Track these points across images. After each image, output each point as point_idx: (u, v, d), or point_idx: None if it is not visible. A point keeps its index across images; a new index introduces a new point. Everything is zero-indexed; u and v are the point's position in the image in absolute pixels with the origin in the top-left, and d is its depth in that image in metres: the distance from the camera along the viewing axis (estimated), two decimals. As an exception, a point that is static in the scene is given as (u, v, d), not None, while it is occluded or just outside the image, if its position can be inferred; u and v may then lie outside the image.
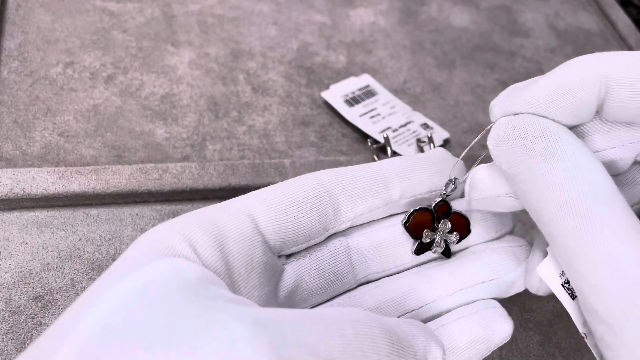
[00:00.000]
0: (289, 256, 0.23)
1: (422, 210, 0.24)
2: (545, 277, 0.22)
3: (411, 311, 0.24)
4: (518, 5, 0.57)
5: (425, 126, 0.43)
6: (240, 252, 0.20)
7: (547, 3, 0.58)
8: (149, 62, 0.43)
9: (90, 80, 0.41)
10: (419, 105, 0.45)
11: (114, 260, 0.26)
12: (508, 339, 0.23)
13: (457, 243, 0.25)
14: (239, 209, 0.21)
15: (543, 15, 0.56)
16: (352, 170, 0.24)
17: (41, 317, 0.30)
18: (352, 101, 0.43)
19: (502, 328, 0.23)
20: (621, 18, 0.56)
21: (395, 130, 0.42)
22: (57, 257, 0.32)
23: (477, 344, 0.23)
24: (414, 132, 0.42)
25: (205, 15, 0.48)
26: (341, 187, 0.23)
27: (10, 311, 0.30)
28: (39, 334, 0.29)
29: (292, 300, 0.23)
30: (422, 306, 0.24)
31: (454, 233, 0.25)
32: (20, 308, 0.30)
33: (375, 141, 0.41)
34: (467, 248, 0.26)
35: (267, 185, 0.36)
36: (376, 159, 0.40)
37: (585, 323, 0.21)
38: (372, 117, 0.42)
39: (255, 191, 0.22)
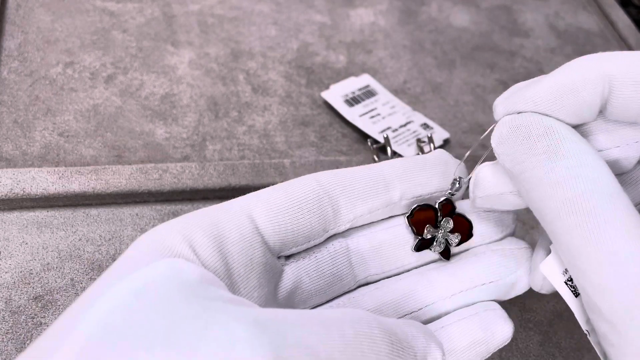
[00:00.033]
0: (288, 257, 0.23)
1: (427, 206, 0.24)
2: (548, 275, 0.22)
3: (411, 313, 0.24)
4: (518, 5, 0.57)
5: (425, 126, 0.43)
6: (239, 252, 0.20)
7: (547, 3, 0.58)
8: (149, 62, 0.43)
9: (90, 80, 0.41)
10: (419, 105, 0.45)
11: (114, 260, 0.26)
12: (508, 341, 0.23)
13: (458, 245, 0.25)
14: (239, 209, 0.21)
15: (543, 15, 0.56)
16: (352, 172, 0.24)
17: (41, 317, 0.30)
18: (352, 101, 0.43)
19: (502, 330, 0.23)
20: (621, 18, 0.56)
21: (395, 130, 0.42)
22: (57, 257, 0.32)
23: (477, 346, 0.23)
24: (414, 132, 0.42)
25: (205, 15, 0.48)
26: (341, 188, 0.23)
27: (10, 311, 0.30)
28: (39, 334, 0.29)
29: (291, 301, 0.23)
30: (422, 308, 0.24)
31: (456, 234, 0.25)
32: (20, 308, 0.30)
33: (375, 141, 0.41)
34: (467, 249, 0.26)
35: (267, 185, 0.36)
36: (376, 159, 0.40)
37: (588, 321, 0.21)
38: (372, 117, 0.42)
39: (255, 192, 0.22)
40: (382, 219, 0.25)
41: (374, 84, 0.45)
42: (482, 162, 0.24)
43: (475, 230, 0.25)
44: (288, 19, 0.50)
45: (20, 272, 0.31)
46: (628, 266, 0.17)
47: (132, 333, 0.15)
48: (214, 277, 0.18)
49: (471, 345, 0.22)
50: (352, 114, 0.42)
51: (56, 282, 0.31)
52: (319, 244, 0.23)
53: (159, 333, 0.15)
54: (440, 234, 0.25)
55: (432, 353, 0.20)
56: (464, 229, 0.25)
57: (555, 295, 0.35)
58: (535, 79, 0.21)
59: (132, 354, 0.14)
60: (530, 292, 0.26)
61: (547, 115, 0.21)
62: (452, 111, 0.46)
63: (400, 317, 0.24)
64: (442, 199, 0.25)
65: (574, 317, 0.34)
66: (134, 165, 0.35)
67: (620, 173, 0.22)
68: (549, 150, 0.19)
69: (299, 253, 0.23)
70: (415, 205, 0.24)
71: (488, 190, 0.23)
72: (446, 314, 0.24)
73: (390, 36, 0.51)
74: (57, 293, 0.31)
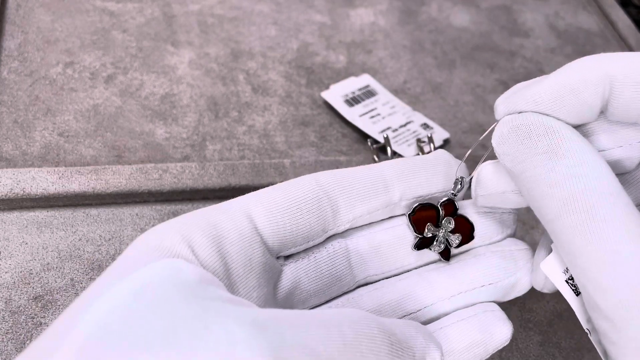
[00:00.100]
0: (287, 257, 0.23)
1: (429, 205, 0.24)
2: (549, 274, 0.22)
3: (410, 314, 0.24)
4: (518, 5, 0.57)
5: (425, 126, 0.43)
6: (238, 253, 0.20)
7: (547, 3, 0.58)
8: (149, 62, 0.43)
9: (90, 80, 0.41)
10: (419, 105, 0.45)
11: (114, 260, 0.26)
12: (507, 343, 0.23)
13: (458, 247, 0.25)
14: (238, 209, 0.21)
15: (543, 15, 0.56)
16: (351, 172, 0.24)
17: (41, 317, 0.30)
18: (352, 101, 0.43)
19: (500, 331, 0.23)
20: (621, 18, 0.56)
21: (395, 130, 0.42)
22: (57, 257, 0.32)
23: (475, 347, 0.23)
24: (414, 132, 0.42)
25: (205, 15, 0.48)
26: (340, 188, 0.23)
27: (10, 311, 0.30)
28: (39, 334, 0.29)
29: (290, 302, 0.23)
30: (421, 309, 0.24)
31: (457, 234, 0.25)
32: (20, 308, 0.30)
33: (375, 141, 0.41)
34: (467, 250, 0.26)
35: (267, 185, 0.36)
36: (376, 159, 0.40)
37: (589, 319, 0.21)
38: (372, 117, 0.42)
39: (254, 192, 0.22)
40: (382, 220, 0.25)
41: (374, 84, 0.45)
42: (483, 161, 0.24)
43: (475, 232, 0.25)
44: (288, 19, 0.50)
45: (20, 272, 0.31)
46: (628, 265, 0.17)
47: (131, 333, 0.15)
48: (213, 278, 0.18)
49: (470, 347, 0.23)
50: (352, 114, 0.42)
51: (56, 282, 0.31)
52: (318, 244, 0.23)
53: (158, 333, 0.15)
54: (440, 234, 0.25)
55: (431, 353, 0.20)
56: (465, 230, 0.25)
57: (555, 295, 0.35)
58: (537, 79, 0.21)
59: (131, 354, 0.14)
60: (530, 293, 0.26)
61: (547, 115, 0.21)
62: (452, 111, 0.46)
63: (399, 318, 0.24)
64: (444, 199, 0.25)
65: (574, 317, 0.34)
66: (134, 165, 0.35)
67: (622, 173, 0.22)
68: (550, 149, 0.20)
69: (298, 253, 0.23)
70: (417, 204, 0.24)
71: (490, 188, 0.23)
72: (445, 315, 0.24)
73: (390, 36, 0.51)
74: (57, 293, 0.31)
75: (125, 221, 0.35)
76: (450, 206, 0.25)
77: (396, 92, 0.46)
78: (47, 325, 0.30)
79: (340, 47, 0.48)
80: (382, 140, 0.40)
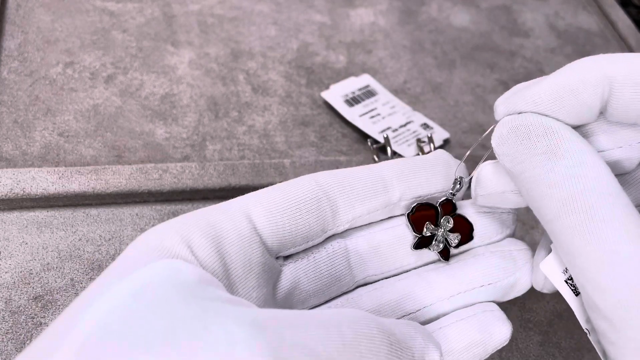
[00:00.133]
0: (286, 257, 0.23)
1: (428, 205, 0.24)
2: (548, 274, 0.22)
3: (409, 314, 0.24)
4: (518, 5, 0.57)
5: (425, 126, 0.43)
6: (238, 253, 0.20)
7: (547, 3, 0.58)
8: (149, 62, 0.43)
9: (90, 80, 0.41)
10: (419, 105, 0.45)
11: (114, 260, 0.26)
12: (506, 343, 0.23)
13: (457, 247, 0.25)
14: (237, 210, 0.21)
15: (543, 15, 0.56)
16: (351, 172, 0.24)
17: (41, 317, 0.30)
18: (352, 101, 0.43)
19: (500, 331, 0.23)
20: (621, 18, 0.56)
21: (395, 130, 0.42)
22: (57, 257, 0.32)
23: (474, 348, 0.23)
24: (414, 132, 0.42)
25: (205, 15, 0.48)
26: (340, 188, 0.23)
27: (10, 311, 0.30)
28: (39, 334, 0.29)
29: (289, 302, 0.23)
30: (420, 309, 0.24)
31: (456, 234, 0.25)
32: (20, 308, 0.30)
33: (375, 141, 0.41)
34: (466, 250, 0.26)
35: (267, 185, 0.36)
36: (376, 159, 0.40)
37: (588, 319, 0.21)
38: (372, 117, 0.42)
39: (254, 192, 0.22)
40: (382, 220, 0.25)
41: (374, 84, 0.45)
42: (483, 161, 0.24)
43: (475, 232, 0.25)
44: (288, 19, 0.50)
45: (20, 272, 0.32)
46: (627, 265, 0.17)
47: (131, 334, 0.15)
48: (212, 278, 0.18)
49: (469, 347, 0.23)
50: (352, 114, 0.42)
51: (56, 282, 0.31)
52: (318, 244, 0.23)
53: (157, 334, 0.15)
54: (439, 233, 0.25)
55: (430, 354, 0.20)
56: (465, 229, 0.25)
57: (555, 295, 0.35)
58: (536, 79, 0.21)
59: (130, 354, 0.14)
60: (530, 293, 0.26)
61: (547, 115, 0.21)
62: (452, 111, 0.46)
63: (398, 318, 0.24)
64: (442, 198, 0.25)
65: (574, 317, 0.34)
66: (134, 165, 0.35)
67: (622, 174, 0.22)
68: (549, 150, 0.20)
69: (297, 253, 0.23)
70: (416, 204, 0.24)
71: (489, 188, 0.23)
72: (445, 315, 0.24)
73: (390, 36, 0.51)
74: (57, 293, 0.31)
75: (125, 221, 0.35)
76: (448, 206, 0.25)
77: (396, 92, 0.46)
78: (47, 325, 0.30)
79: (340, 47, 0.48)
80: (382, 140, 0.40)
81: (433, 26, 0.53)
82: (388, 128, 0.42)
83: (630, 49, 0.54)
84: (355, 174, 0.24)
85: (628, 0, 0.61)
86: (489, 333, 0.23)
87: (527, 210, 0.39)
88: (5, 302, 0.30)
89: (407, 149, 0.41)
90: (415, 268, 0.25)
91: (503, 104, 0.22)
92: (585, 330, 0.21)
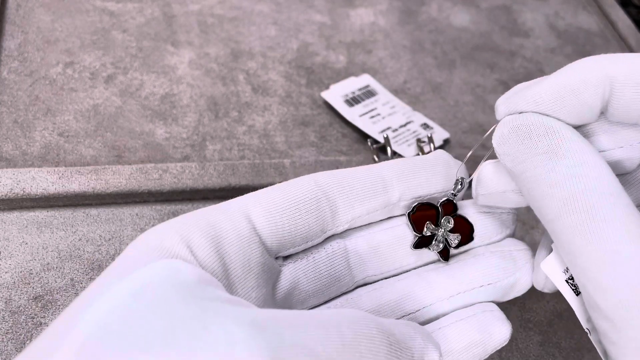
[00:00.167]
0: (286, 258, 0.23)
1: (429, 205, 0.24)
2: (549, 273, 0.22)
3: (409, 314, 0.24)
4: (518, 5, 0.57)
5: (425, 126, 0.43)
6: (237, 253, 0.20)
7: (547, 3, 0.58)
8: (149, 62, 0.43)
9: (90, 80, 0.41)
10: (419, 105, 0.45)
11: (114, 260, 0.26)
12: (506, 343, 0.23)
13: (457, 247, 0.25)
14: (237, 210, 0.21)
15: (543, 15, 0.56)
16: (350, 172, 0.24)
17: (41, 317, 0.30)
18: (352, 101, 0.43)
19: (499, 331, 0.23)
20: (621, 18, 0.56)
21: (395, 130, 0.42)
22: (57, 257, 0.32)
23: (474, 348, 0.23)
24: (414, 132, 0.42)
25: (205, 15, 0.48)
26: (339, 189, 0.23)
27: (10, 311, 0.30)
28: (39, 334, 0.29)
29: (289, 302, 0.23)
30: (420, 309, 0.24)
31: (456, 234, 0.25)
32: (20, 308, 0.30)
33: (375, 141, 0.41)
34: (466, 250, 0.26)
35: (267, 185, 0.36)
36: (376, 159, 0.40)
37: (589, 319, 0.21)
38: (372, 117, 0.42)
39: (253, 192, 0.22)
40: (381, 220, 0.25)
41: (374, 84, 0.45)
42: (485, 160, 0.24)
43: (475, 232, 0.25)
44: (288, 19, 0.50)
45: (20, 272, 0.32)
46: (628, 265, 0.17)
47: (131, 334, 0.15)
48: (212, 278, 0.18)
49: (468, 347, 0.23)
50: (352, 114, 0.42)
51: (56, 282, 0.32)
52: (317, 244, 0.23)
53: (157, 334, 0.15)
54: (440, 233, 0.25)
55: (430, 354, 0.20)
56: (465, 230, 0.25)
57: (555, 295, 0.35)
58: (537, 79, 0.21)
59: (130, 354, 0.14)
60: (530, 292, 0.26)
61: (548, 115, 0.21)
62: (452, 111, 0.46)
63: (398, 318, 0.24)
64: (443, 198, 0.25)
65: (574, 317, 0.34)
66: (134, 165, 0.35)
67: (623, 174, 0.22)
68: (550, 150, 0.20)
69: (297, 254, 0.23)
70: (417, 203, 0.24)
71: (490, 188, 0.23)
72: (444, 315, 0.24)
73: (390, 36, 0.51)
74: (57, 293, 0.31)
75: (125, 221, 0.35)
76: (449, 206, 0.25)
77: (396, 92, 0.46)
78: (47, 325, 0.30)
79: (340, 47, 0.48)
80: (382, 140, 0.40)
81: (433, 26, 0.53)
82: (388, 128, 0.42)
83: (630, 49, 0.54)
84: (355, 174, 0.24)
85: (628, 0, 0.61)
86: (489, 333, 0.23)
87: (527, 210, 0.39)
88: (5, 302, 0.30)
89: (407, 149, 0.41)
90: (414, 268, 0.25)
91: (504, 104, 0.22)
92: (586, 330, 0.21)
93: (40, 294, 0.31)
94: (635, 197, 0.23)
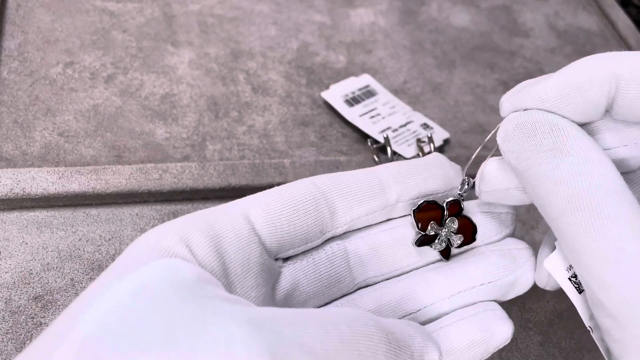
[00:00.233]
0: (286, 259, 0.23)
1: (434, 203, 0.24)
2: (552, 271, 0.22)
3: (409, 314, 0.24)
4: (518, 5, 0.57)
5: (425, 126, 0.43)
6: (236, 252, 0.20)
7: (547, 3, 0.58)
8: (149, 62, 0.43)
9: (90, 80, 0.41)
10: (419, 105, 0.45)
11: (114, 260, 0.26)
12: (508, 342, 0.23)
13: (460, 247, 0.25)
14: (236, 211, 0.21)
15: (543, 15, 0.56)
16: (348, 174, 0.24)
17: (41, 317, 0.30)
18: (352, 101, 0.43)
19: (501, 330, 0.23)
20: (621, 18, 0.56)
21: (395, 130, 0.42)
22: (57, 257, 0.32)
23: (476, 347, 0.23)
24: (414, 132, 0.42)
25: (205, 15, 0.48)
26: (337, 190, 0.23)
27: (10, 311, 0.30)
28: (39, 334, 0.29)
29: (289, 303, 0.23)
30: (421, 309, 0.24)
31: (459, 235, 0.25)
32: (20, 308, 0.30)
33: (375, 141, 0.41)
34: (466, 250, 0.26)
35: (267, 185, 0.36)
36: (376, 159, 0.40)
37: (591, 317, 0.21)
38: (372, 117, 0.42)
39: (252, 195, 0.22)
40: (380, 222, 0.25)
41: (374, 84, 0.45)
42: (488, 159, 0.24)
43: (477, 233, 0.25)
44: (288, 19, 0.50)
45: (20, 272, 0.32)
46: (633, 263, 0.17)
47: (130, 333, 0.15)
48: (211, 277, 0.18)
49: (470, 346, 0.23)
50: (352, 114, 0.42)
51: (56, 282, 0.31)
52: (317, 246, 0.24)
53: (157, 333, 0.15)
54: (443, 233, 0.25)
55: (429, 353, 0.20)
56: (468, 231, 0.25)
57: (555, 295, 0.35)
58: (542, 77, 0.21)
59: (130, 354, 0.14)
60: (531, 292, 0.26)
61: (553, 112, 0.21)
62: (452, 111, 0.46)
63: (399, 318, 0.24)
64: (450, 198, 0.25)
65: (574, 317, 0.34)
66: (134, 165, 0.35)
67: (627, 172, 0.22)
68: (555, 147, 0.20)
69: (296, 255, 0.23)
70: (423, 201, 0.24)
71: (494, 185, 0.23)
72: (445, 314, 0.24)
73: (390, 36, 0.51)
74: (57, 293, 0.31)
75: (125, 221, 0.35)
76: (455, 206, 0.25)
77: (396, 92, 0.46)
78: (47, 325, 0.30)
79: (340, 47, 0.48)
80: (382, 140, 0.40)
81: (433, 26, 0.53)
82: (388, 128, 0.42)
83: (630, 49, 0.54)
84: (353, 176, 0.24)
85: (628, 0, 0.61)
86: (490, 332, 0.23)
87: (527, 210, 0.39)
88: (5, 302, 0.30)
89: (407, 149, 0.41)
90: (415, 269, 0.25)
91: (508, 101, 0.22)
92: (588, 328, 0.21)
93: (40, 294, 0.31)
94: (639, 195, 0.23)
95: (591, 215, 0.18)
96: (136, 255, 0.18)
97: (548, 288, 0.24)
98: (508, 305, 0.34)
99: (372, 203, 0.24)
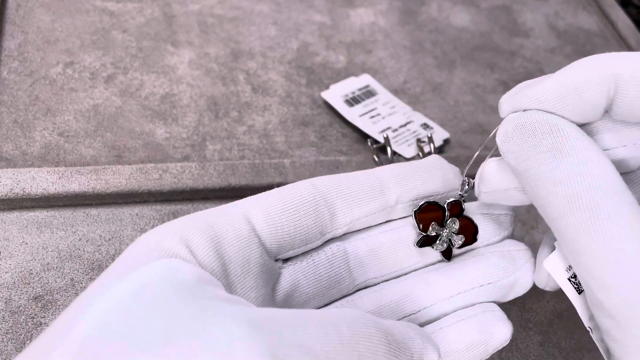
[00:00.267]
0: (286, 260, 0.23)
1: (435, 204, 0.25)
2: (551, 272, 0.22)
3: (409, 315, 0.24)
4: (518, 5, 0.57)
5: (425, 126, 0.43)
6: (236, 253, 0.20)
7: (547, 3, 0.58)
8: (149, 62, 0.43)
9: (90, 80, 0.41)
10: (419, 105, 0.45)
11: (114, 260, 0.26)
12: (507, 343, 0.23)
13: (461, 247, 0.25)
14: (237, 212, 0.21)
15: (543, 15, 0.56)
16: (348, 176, 0.24)
17: (41, 317, 0.30)
18: (352, 101, 0.43)
19: (500, 332, 0.23)
20: (621, 18, 0.56)
21: (395, 130, 0.42)
22: (57, 257, 0.32)
23: (475, 348, 0.23)
24: (414, 132, 0.42)
25: (205, 15, 0.48)
26: (337, 191, 0.23)
27: (10, 311, 0.30)
28: (39, 334, 0.29)
29: (289, 304, 0.23)
30: (420, 310, 0.24)
31: (460, 235, 0.25)
32: (20, 308, 0.30)
33: (375, 141, 0.41)
34: (466, 251, 0.26)
35: (267, 185, 0.36)
36: (376, 159, 0.40)
37: (591, 317, 0.21)
38: (372, 117, 0.42)
39: (252, 196, 0.22)
40: (380, 223, 0.25)
41: (374, 84, 0.45)
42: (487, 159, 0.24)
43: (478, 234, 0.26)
44: (288, 19, 0.50)
45: (20, 272, 0.32)
46: (632, 263, 0.17)
47: (130, 333, 0.15)
48: (211, 277, 0.18)
49: (469, 347, 0.23)
50: (352, 114, 0.42)
51: (56, 282, 0.32)
52: (317, 247, 0.24)
53: (156, 333, 0.15)
54: (444, 233, 0.25)
55: (429, 354, 0.20)
56: (469, 232, 0.25)
57: (555, 295, 0.35)
58: (541, 77, 0.21)
59: (129, 354, 0.14)
60: (530, 293, 0.26)
61: (552, 113, 0.21)
62: (452, 111, 0.46)
63: (398, 320, 0.24)
64: (451, 199, 0.25)
65: (574, 317, 0.34)
66: (134, 165, 0.35)
67: (627, 172, 0.22)
68: (554, 147, 0.20)
69: (296, 256, 0.23)
70: (424, 202, 0.24)
71: (493, 185, 0.23)
72: (445, 315, 0.24)
73: (390, 36, 0.51)
74: (57, 293, 0.31)
75: (125, 221, 0.35)
76: (456, 207, 0.25)
77: (396, 92, 0.46)
78: (47, 325, 0.30)
79: (340, 47, 0.48)
80: (382, 140, 0.40)
81: (433, 26, 0.53)
82: (388, 128, 0.42)
83: (630, 49, 0.53)
84: (352, 178, 0.24)
85: (628, 0, 0.61)
86: (490, 333, 0.23)
87: (527, 210, 0.39)
88: (5, 302, 0.30)
89: (407, 149, 0.41)
90: (415, 270, 0.25)
91: (507, 102, 0.22)
92: (588, 329, 0.21)
93: (40, 294, 0.31)
94: (638, 195, 0.23)
95: (591, 215, 0.18)
96: (136, 255, 0.18)
97: (548, 288, 0.24)
98: (508, 306, 0.34)
99: (371, 204, 0.24)
